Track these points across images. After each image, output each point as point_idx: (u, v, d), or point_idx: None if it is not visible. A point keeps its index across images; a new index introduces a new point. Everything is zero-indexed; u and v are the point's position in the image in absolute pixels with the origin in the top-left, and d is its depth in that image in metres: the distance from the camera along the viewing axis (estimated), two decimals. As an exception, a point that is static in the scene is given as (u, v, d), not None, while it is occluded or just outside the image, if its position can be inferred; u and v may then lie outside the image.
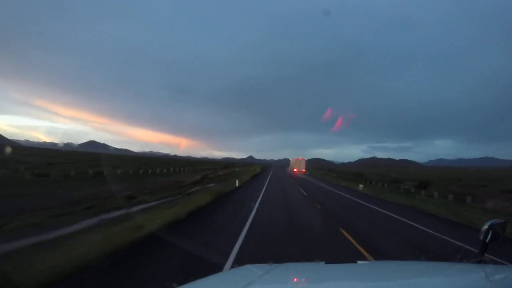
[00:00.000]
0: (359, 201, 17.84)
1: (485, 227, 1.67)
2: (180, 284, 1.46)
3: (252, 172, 47.36)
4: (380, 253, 6.42)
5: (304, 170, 56.98)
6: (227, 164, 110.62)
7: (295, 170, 56.61)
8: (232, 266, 4.87)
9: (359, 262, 1.91)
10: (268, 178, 35.32)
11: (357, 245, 6.87)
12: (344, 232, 8.24)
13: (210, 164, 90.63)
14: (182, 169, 55.33)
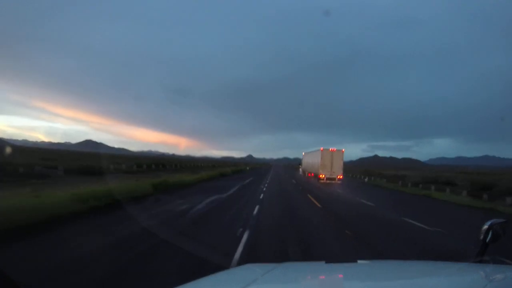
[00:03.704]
0: None
1: (485, 227, 1.66)
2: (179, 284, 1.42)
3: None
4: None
5: (341, 176, 27.67)
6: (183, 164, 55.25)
7: (321, 176, 27.50)
8: None
9: (359, 261, 1.92)
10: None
11: None
12: None
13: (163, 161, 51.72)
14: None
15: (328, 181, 25.98)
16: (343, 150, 28.23)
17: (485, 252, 1.68)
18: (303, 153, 40.52)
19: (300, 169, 42.40)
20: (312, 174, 31.38)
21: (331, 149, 27.52)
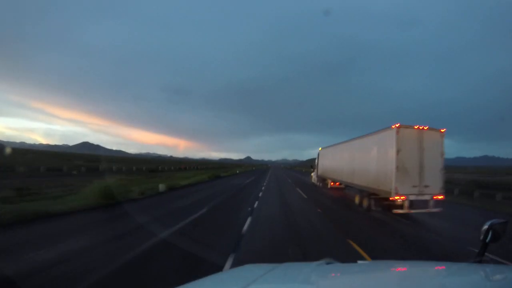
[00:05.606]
0: None
1: (485, 227, 1.66)
2: (180, 284, 1.44)
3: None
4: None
5: (441, 196, 10.31)
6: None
7: (399, 197, 9.82)
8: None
9: (359, 262, 1.91)
10: None
11: None
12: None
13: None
14: None
15: (413, 211, 10.49)
16: (443, 130, 11.26)
17: (485, 252, 1.68)
18: (320, 149, 24.19)
19: (313, 175, 26.44)
20: (337, 183, 18.34)
21: (418, 127, 10.82)
